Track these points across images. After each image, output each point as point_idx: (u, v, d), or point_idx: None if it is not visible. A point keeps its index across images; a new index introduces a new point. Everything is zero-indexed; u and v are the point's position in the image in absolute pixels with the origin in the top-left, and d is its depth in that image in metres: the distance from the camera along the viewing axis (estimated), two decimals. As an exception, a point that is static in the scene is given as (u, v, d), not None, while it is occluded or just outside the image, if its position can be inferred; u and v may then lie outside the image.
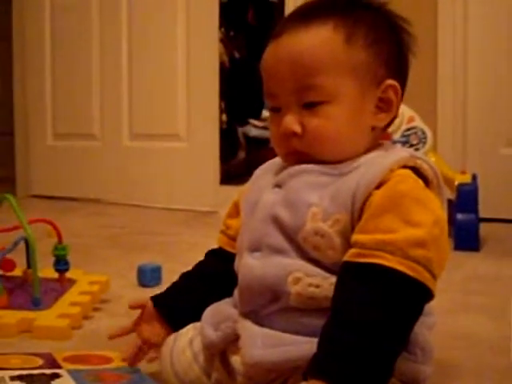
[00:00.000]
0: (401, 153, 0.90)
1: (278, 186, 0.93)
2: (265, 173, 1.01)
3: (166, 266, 1.82)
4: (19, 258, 1.57)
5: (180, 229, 2.63)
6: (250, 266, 0.91)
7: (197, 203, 3.04)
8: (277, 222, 0.90)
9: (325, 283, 0.86)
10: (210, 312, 1.01)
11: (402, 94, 0.95)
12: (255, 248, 0.92)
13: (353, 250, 0.83)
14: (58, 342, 1.30)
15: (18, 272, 1.58)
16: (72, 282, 1.56)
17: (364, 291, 0.80)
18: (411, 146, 2.33)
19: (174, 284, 1.13)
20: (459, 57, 2.67)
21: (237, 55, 4.30)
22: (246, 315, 0.91)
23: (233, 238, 1.06)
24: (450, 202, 2.25)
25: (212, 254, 1.13)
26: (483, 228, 2.22)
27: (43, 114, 3.57)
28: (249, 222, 0.95)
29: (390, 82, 0.93)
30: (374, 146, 0.94)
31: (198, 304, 1.04)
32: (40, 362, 1.12)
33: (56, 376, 1.05)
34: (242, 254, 0.95)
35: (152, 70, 3.21)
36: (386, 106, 0.93)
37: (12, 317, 1.34)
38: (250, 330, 0.90)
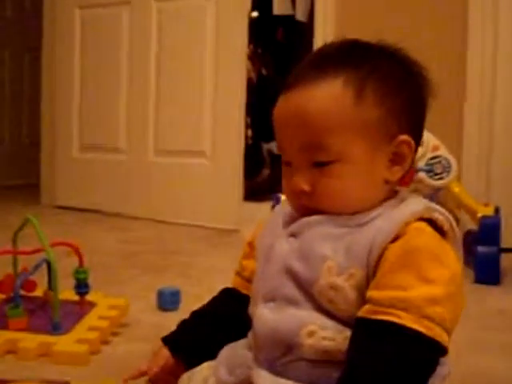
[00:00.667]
0: (416, 205, 0.89)
1: (293, 235, 0.93)
2: (279, 216, 0.99)
3: (185, 289, 1.83)
4: (41, 278, 1.59)
5: (201, 248, 2.64)
6: (265, 317, 0.91)
7: (220, 220, 3.05)
8: (291, 273, 0.90)
9: (339, 337, 0.86)
10: (225, 353, 1.01)
11: (418, 146, 0.94)
12: (270, 298, 0.92)
13: (367, 307, 0.83)
14: (76, 368, 1.31)
15: (39, 292, 1.60)
16: (92, 305, 1.57)
17: (377, 349, 0.80)
18: (435, 174, 2.33)
19: (187, 323, 1.12)
20: (487, 86, 2.66)
21: (264, 72, 4.32)
22: (261, 363, 0.91)
23: (248, 280, 1.05)
24: (471, 233, 2.24)
25: (227, 295, 1.11)
26: (505, 259, 2.21)
27: (70, 125, 3.60)
28: (263, 271, 0.95)
29: (403, 137, 0.90)
30: (389, 195, 0.93)
31: (212, 345, 1.03)
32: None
33: None
34: (256, 302, 0.95)
35: (179, 85, 3.22)
36: (400, 160, 0.91)
37: (31, 340, 1.36)
38: (264, 380, 0.90)
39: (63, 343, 1.36)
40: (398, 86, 0.91)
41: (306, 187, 0.91)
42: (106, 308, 1.56)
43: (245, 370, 0.95)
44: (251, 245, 1.06)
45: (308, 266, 0.88)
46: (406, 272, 0.82)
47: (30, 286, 1.58)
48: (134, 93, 3.38)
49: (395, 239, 0.84)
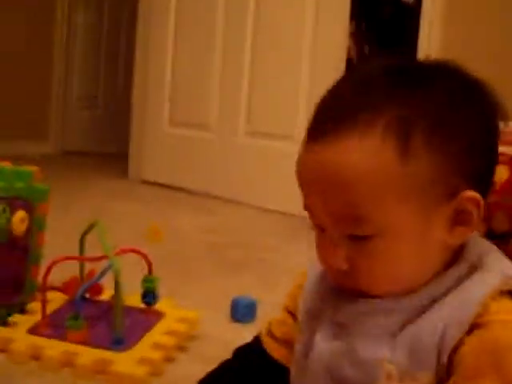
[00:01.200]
0: (493, 275, 0.68)
1: (338, 326, 0.73)
2: (316, 284, 0.78)
3: (262, 296, 1.70)
4: (110, 280, 1.49)
5: (284, 241, 2.49)
6: None
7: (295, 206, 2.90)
8: (340, 380, 0.71)
9: None
10: None
11: (487, 195, 0.71)
12: None
13: None
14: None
15: (106, 296, 1.50)
16: (159, 315, 1.45)
17: None
18: None
19: None
20: None
21: (366, 49, 4.12)
22: None
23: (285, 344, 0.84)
24: None
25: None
26: None
27: (161, 100, 3.51)
28: (303, 366, 0.75)
29: (468, 194, 0.68)
30: (453, 255, 0.71)
31: None
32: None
33: None
34: None
35: (275, 64, 3.07)
36: (464, 220, 0.68)
37: (89, 356, 1.25)
38: None
39: (122, 363, 1.24)
40: (459, 121, 0.68)
41: (342, 265, 0.69)
42: (175, 321, 1.44)
43: None
44: (288, 310, 0.86)
45: (361, 371, 0.69)
46: (490, 379, 0.64)
47: (97, 289, 1.47)
48: (227, 71, 3.25)
49: (471, 328, 0.66)
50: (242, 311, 1.58)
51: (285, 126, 3.04)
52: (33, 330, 1.33)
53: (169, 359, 1.33)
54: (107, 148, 4.55)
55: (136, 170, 3.64)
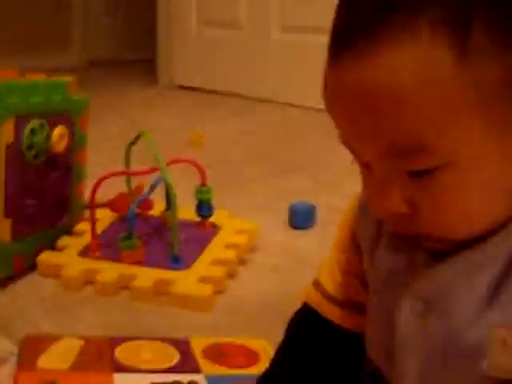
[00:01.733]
0: None
1: (423, 301, 0.58)
2: (379, 238, 0.64)
3: (317, 197, 1.60)
4: (157, 197, 1.39)
5: (333, 141, 2.36)
6: None
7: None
8: (436, 356, 0.57)
9: None
10: None
11: None
12: None
13: None
14: (198, 313, 1.12)
15: (156, 212, 1.41)
16: (216, 228, 1.36)
17: None
18: None
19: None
20: None
21: None
22: None
23: (347, 304, 0.71)
24: None
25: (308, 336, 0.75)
26: None
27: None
28: (386, 339, 0.61)
29: None
30: None
31: None
32: (176, 356, 0.94)
33: None
34: (383, 369, 0.64)
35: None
36: None
37: (147, 277, 1.17)
38: None
39: (184, 282, 1.16)
40: None
41: (404, 209, 0.55)
42: (233, 232, 1.34)
43: None
44: (344, 259, 0.72)
45: (462, 349, 0.55)
46: None
47: (147, 204, 1.38)
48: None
49: None
50: (301, 218, 1.48)
51: (320, 18, 2.86)
52: (84, 253, 1.25)
53: (231, 275, 1.24)
54: (133, 55, 4.40)
55: (166, 75, 3.50)
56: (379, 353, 0.64)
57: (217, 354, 0.96)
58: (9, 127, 1.13)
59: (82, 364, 0.90)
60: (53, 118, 1.22)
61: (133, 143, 1.28)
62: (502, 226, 0.54)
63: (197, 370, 0.92)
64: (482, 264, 0.54)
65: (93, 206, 1.22)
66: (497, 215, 0.54)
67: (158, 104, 3.06)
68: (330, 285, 0.72)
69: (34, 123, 1.17)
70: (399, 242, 0.61)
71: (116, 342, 0.97)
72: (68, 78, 1.26)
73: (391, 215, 0.55)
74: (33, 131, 1.17)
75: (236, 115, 2.76)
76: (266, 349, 0.99)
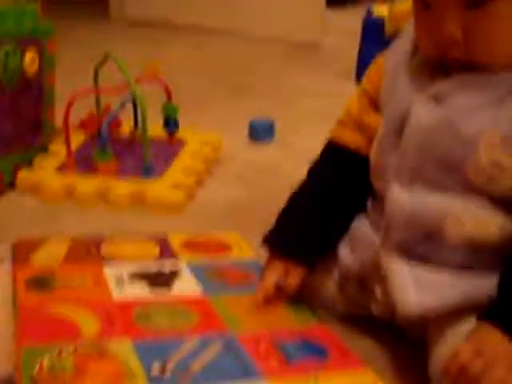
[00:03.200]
0: None
1: (435, 99, 0.73)
2: (403, 67, 0.79)
3: (276, 114, 1.70)
4: (123, 117, 1.47)
5: (284, 65, 2.45)
6: (401, 200, 0.76)
7: (300, 32, 2.83)
8: (436, 148, 0.73)
9: (492, 224, 0.72)
10: (347, 235, 0.89)
11: None
12: (407, 179, 0.76)
13: None
14: (171, 216, 1.22)
15: (124, 131, 1.49)
16: (182, 142, 1.45)
17: None
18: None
19: (290, 215, 0.91)
20: None
21: None
22: (391, 249, 0.78)
23: (371, 140, 0.86)
24: None
25: (337, 157, 0.91)
26: None
27: None
28: (396, 144, 0.77)
29: None
30: None
31: (326, 235, 0.89)
32: (156, 250, 1.04)
33: (176, 274, 0.97)
34: (385, 178, 0.79)
35: None
36: None
37: (123, 187, 1.26)
38: (398, 271, 0.77)
39: (156, 189, 1.26)
40: None
41: (456, 34, 0.69)
42: (198, 145, 1.44)
43: (369, 252, 0.82)
44: (368, 94, 0.87)
45: (460, 140, 0.71)
46: None
47: (115, 124, 1.46)
48: None
49: None
50: (260, 132, 1.58)
51: None
52: (61, 169, 1.33)
53: (199, 183, 1.34)
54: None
55: (117, 8, 3.51)
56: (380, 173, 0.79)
57: (193, 245, 1.07)
58: (-17, 51, 1.19)
59: (72, 259, 1.00)
60: (23, 42, 1.28)
61: (102, 62, 1.35)
62: None
63: (177, 259, 1.02)
64: (494, 82, 0.69)
65: (67, 124, 1.30)
66: None
67: (110, 39, 3.08)
68: (348, 113, 0.89)
69: (8, 47, 1.24)
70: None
71: (101, 240, 1.06)
72: (35, 5, 1.32)
73: (445, 41, 0.69)
74: (7, 54, 1.24)
75: (194, 47, 2.82)
76: (237, 240, 1.10)
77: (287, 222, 0.90)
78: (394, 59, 0.82)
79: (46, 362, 0.72)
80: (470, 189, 0.72)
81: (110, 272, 0.96)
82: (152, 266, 0.99)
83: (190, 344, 0.79)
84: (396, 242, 0.77)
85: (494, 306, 0.69)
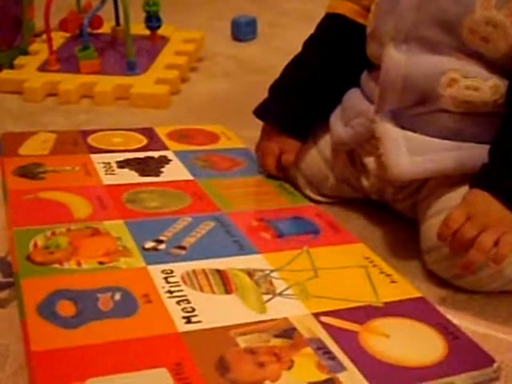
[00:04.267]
0: None
1: None
2: None
3: (258, 13, 1.67)
4: (104, 14, 1.45)
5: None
6: (396, 61, 0.76)
7: None
8: (432, 7, 0.73)
9: (484, 86, 0.73)
10: (340, 106, 0.89)
11: None
12: (402, 39, 0.76)
13: None
14: (156, 111, 1.21)
15: (105, 29, 1.47)
16: (165, 39, 1.43)
17: None
18: None
19: (282, 86, 0.92)
20: None
21: None
22: (386, 115, 0.79)
23: (366, 8, 0.87)
24: None
25: (335, 26, 0.91)
26: None
27: None
28: (392, 5, 0.77)
29: None
30: None
31: (321, 103, 0.90)
32: (144, 140, 1.04)
33: (165, 160, 0.97)
34: (382, 42, 0.79)
35: None
36: None
37: (107, 83, 1.25)
38: (391, 134, 0.78)
39: (141, 85, 1.25)
40: None
41: None
42: (181, 42, 1.42)
43: (363, 120, 0.83)
44: None
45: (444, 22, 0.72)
46: None
47: (96, 22, 1.44)
48: None
49: None
50: (243, 29, 1.57)
51: None
52: (43, 68, 1.32)
53: (183, 79, 1.33)
54: None
55: None
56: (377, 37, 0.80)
57: (180, 136, 1.07)
58: None
59: (60, 150, 1.00)
60: None
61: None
62: None
63: (164, 148, 1.02)
64: None
65: (47, 21, 1.28)
66: None
67: None
68: None
69: None
70: None
71: (87, 133, 1.06)
72: None
73: None
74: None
75: None
76: (223, 131, 1.10)
77: (280, 94, 0.91)
78: None
79: (39, 242, 0.73)
80: (465, 50, 0.73)
81: (98, 160, 0.96)
82: (140, 155, 0.99)
83: (182, 221, 0.80)
84: (391, 107, 0.78)
85: (484, 171, 0.70)
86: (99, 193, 0.86)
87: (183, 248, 0.74)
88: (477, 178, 0.70)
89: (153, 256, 0.71)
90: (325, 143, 0.90)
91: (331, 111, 0.89)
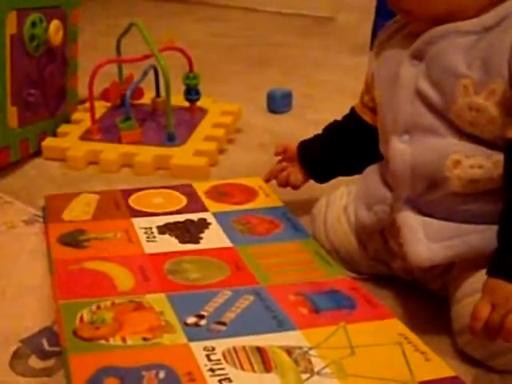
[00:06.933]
0: None
1: (416, 57, 0.80)
2: (390, 40, 0.86)
3: (293, 86, 1.72)
4: (145, 86, 1.50)
5: (299, 39, 2.46)
6: (401, 152, 0.80)
7: (312, 7, 2.84)
8: (423, 99, 0.78)
9: (487, 162, 0.76)
10: (362, 188, 0.93)
11: None
12: (403, 131, 0.80)
13: None
14: (195, 181, 1.24)
15: (146, 100, 1.52)
16: (203, 111, 1.48)
17: None
18: None
19: (317, 135, 1.06)
20: None
21: None
22: (404, 202, 0.82)
23: (373, 110, 0.95)
24: None
25: (351, 118, 1.01)
26: None
27: None
28: (391, 101, 0.82)
29: None
30: None
31: (338, 156, 1.00)
32: (183, 200, 1.08)
33: (204, 224, 1.00)
34: (387, 138, 0.84)
35: None
36: None
37: (147, 154, 1.29)
38: (409, 221, 0.80)
39: (181, 156, 1.28)
40: None
41: None
42: (219, 114, 1.47)
43: (384, 207, 0.87)
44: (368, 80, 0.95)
45: (440, 88, 0.77)
46: None
47: (137, 93, 1.49)
48: None
49: None
50: (278, 102, 1.61)
51: None
52: (85, 137, 1.36)
53: (221, 151, 1.37)
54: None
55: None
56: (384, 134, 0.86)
57: (218, 193, 1.11)
58: (11, 20, 1.22)
59: (102, 214, 1.03)
60: (49, 12, 1.31)
61: (125, 32, 1.37)
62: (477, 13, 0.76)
63: (204, 209, 1.05)
64: (460, 32, 0.76)
65: (91, 91, 1.32)
66: (464, 3, 0.75)
67: (125, 11, 3.08)
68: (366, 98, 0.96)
69: (35, 16, 1.26)
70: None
71: (128, 193, 1.10)
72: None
73: None
74: (33, 24, 1.26)
75: (208, 21, 2.83)
76: (262, 185, 1.13)
77: (314, 139, 1.06)
78: (387, 33, 0.89)
79: (85, 316, 0.75)
80: (461, 132, 0.76)
81: (139, 225, 0.99)
82: (180, 218, 1.02)
83: (222, 295, 0.82)
84: (405, 196, 0.81)
85: (496, 258, 0.72)
86: (141, 263, 0.89)
87: (224, 324, 0.75)
88: (490, 266, 0.72)
89: (195, 332, 0.73)
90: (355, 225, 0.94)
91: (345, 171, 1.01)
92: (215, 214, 1.04)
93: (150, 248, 0.93)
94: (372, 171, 0.92)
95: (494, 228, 0.73)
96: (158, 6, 3.17)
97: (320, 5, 2.80)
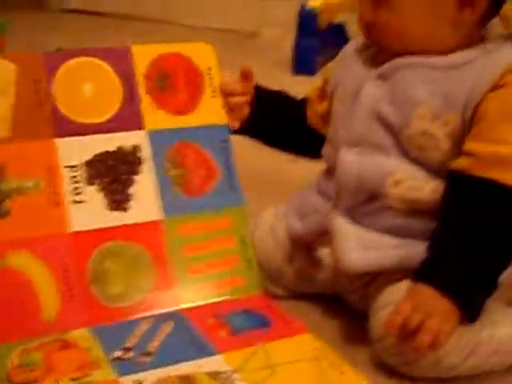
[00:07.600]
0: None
1: (382, 78, 0.85)
2: (358, 55, 0.91)
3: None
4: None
5: (222, 53, 2.46)
6: (349, 162, 0.85)
7: (236, 21, 2.84)
8: (380, 118, 0.83)
9: (426, 187, 0.82)
10: (295, 200, 0.97)
11: None
12: (354, 143, 0.86)
13: (467, 160, 0.78)
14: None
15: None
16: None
17: (481, 208, 0.77)
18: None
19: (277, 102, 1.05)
20: None
21: None
22: (341, 211, 0.87)
23: (322, 118, 0.99)
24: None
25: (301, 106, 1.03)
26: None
27: None
28: (347, 115, 0.88)
29: None
30: (472, 40, 0.84)
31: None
32: (119, 93, 0.94)
33: (137, 162, 0.92)
34: (336, 146, 0.89)
35: None
36: (470, 1, 0.80)
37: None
38: (344, 231, 0.85)
39: None
40: None
41: (369, 18, 0.84)
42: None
43: (317, 217, 0.91)
44: (326, 81, 0.98)
45: (399, 110, 0.82)
46: (509, 127, 0.78)
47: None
48: None
49: (494, 88, 0.78)
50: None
51: None
52: None
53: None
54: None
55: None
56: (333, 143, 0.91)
57: (159, 79, 0.96)
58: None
59: (21, 123, 0.87)
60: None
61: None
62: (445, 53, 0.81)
63: (139, 125, 0.93)
64: (428, 66, 0.82)
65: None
66: (430, 43, 0.82)
67: (48, 28, 3.03)
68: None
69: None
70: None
71: (54, 63, 0.92)
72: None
73: (364, 23, 0.85)
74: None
75: (134, 37, 2.81)
76: (211, 68, 1.03)
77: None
78: (354, 47, 0.93)
79: (15, 359, 0.76)
80: (408, 155, 0.82)
81: (64, 162, 0.88)
82: (111, 144, 0.91)
83: (144, 324, 0.85)
84: (345, 206, 0.86)
85: (425, 266, 0.78)
86: (65, 255, 0.84)
87: (149, 354, 0.78)
88: (416, 273, 0.78)
89: (123, 366, 0.76)
90: (282, 236, 0.97)
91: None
92: (151, 136, 0.93)
93: (75, 222, 0.86)
94: (308, 184, 0.97)
95: (424, 244, 0.80)
96: (84, 20, 3.08)
97: (243, 18, 2.79)
